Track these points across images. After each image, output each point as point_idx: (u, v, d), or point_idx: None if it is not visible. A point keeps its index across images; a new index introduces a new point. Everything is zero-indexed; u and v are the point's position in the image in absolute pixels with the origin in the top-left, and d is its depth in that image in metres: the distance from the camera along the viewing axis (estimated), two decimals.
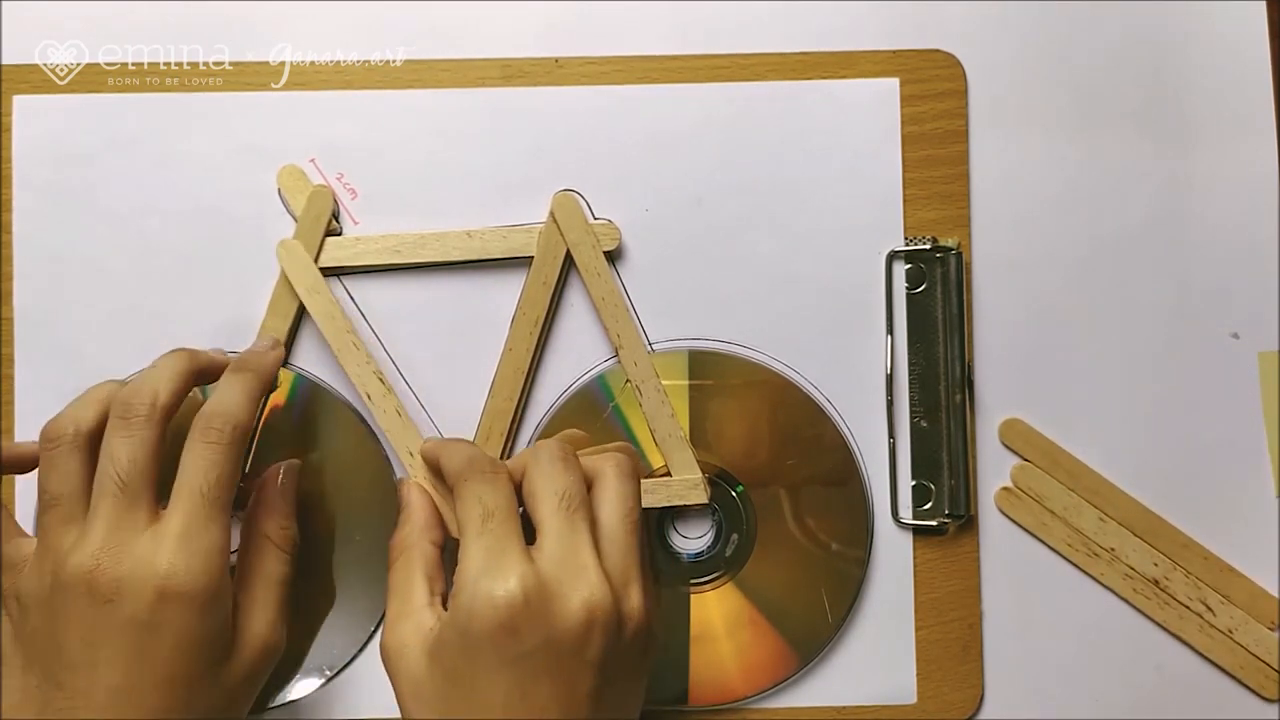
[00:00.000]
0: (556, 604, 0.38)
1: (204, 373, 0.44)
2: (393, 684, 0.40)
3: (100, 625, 0.38)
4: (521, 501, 0.41)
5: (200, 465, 0.40)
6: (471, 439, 0.47)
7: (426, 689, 0.39)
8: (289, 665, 0.47)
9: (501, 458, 0.47)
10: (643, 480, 0.47)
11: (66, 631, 0.38)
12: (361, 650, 0.47)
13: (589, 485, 0.42)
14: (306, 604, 0.47)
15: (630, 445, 0.47)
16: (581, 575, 0.38)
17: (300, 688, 0.47)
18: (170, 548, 0.38)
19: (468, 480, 0.41)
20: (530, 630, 0.38)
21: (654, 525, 0.48)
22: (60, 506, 0.40)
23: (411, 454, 0.46)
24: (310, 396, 0.47)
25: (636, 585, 0.40)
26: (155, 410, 0.40)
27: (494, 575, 0.38)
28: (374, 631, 0.47)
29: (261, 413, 0.47)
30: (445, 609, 0.40)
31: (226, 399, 0.41)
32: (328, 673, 0.47)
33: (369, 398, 0.46)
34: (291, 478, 0.45)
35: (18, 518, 0.47)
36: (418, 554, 0.43)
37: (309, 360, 0.48)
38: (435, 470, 0.44)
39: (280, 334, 0.47)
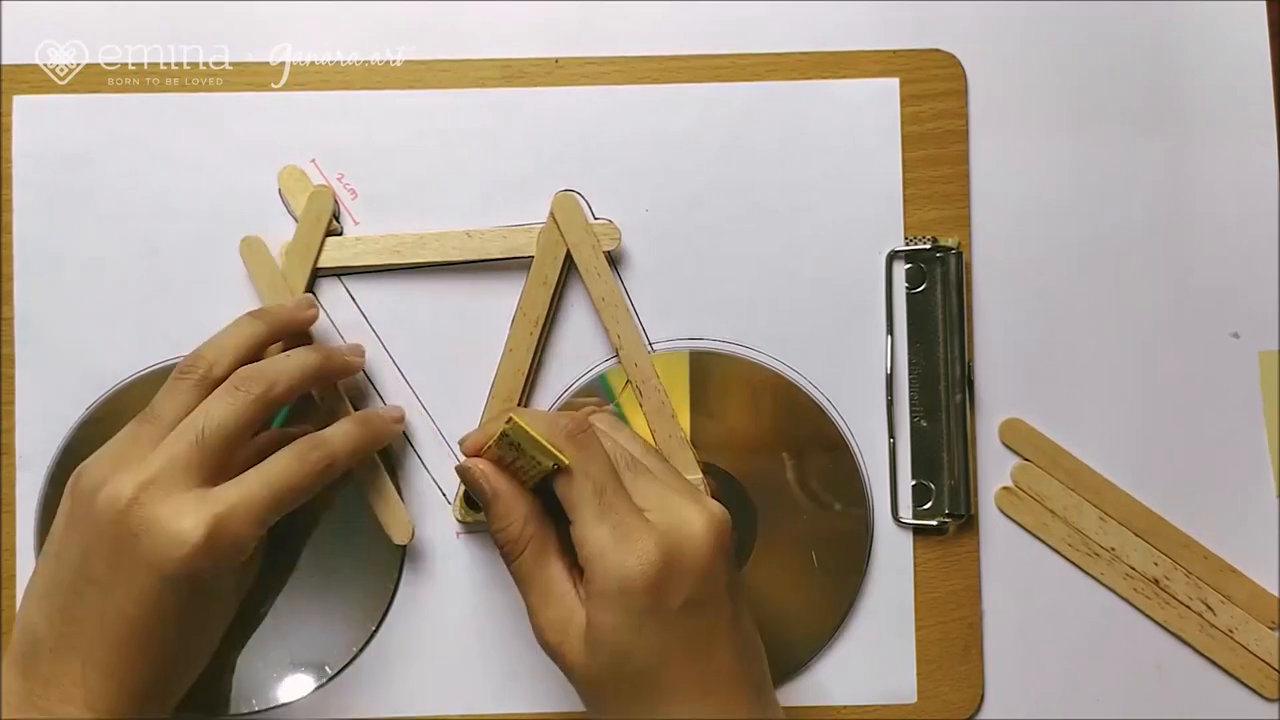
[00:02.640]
0: (687, 548, 0.39)
1: (330, 375, 0.46)
2: (565, 674, 0.41)
3: (124, 556, 0.39)
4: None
5: (286, 473, 0.41)
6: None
7: (599, 675, 0.39)
8: (288, 665, 0.47)
9: None
10: None
11: (96, 546, 0.40)
12: (362, 650, 0.47)
13: None
14: (306, 605, 0.47)
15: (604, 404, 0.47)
16: (685, 514, 0.40)
17: (300, 687, 0.47)
18: (207, 521, 0.39)
19: (565, 446, 0.40)
20: (677, 583, 0.39)
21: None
22: (153, 426, 0.41)
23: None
24: (308, 395, 0.47)
25: (703, 494, 0.42)
26: (266, 395, 0.42)
27: (629, 549, 0.39)
28: (375, 631, 0.47)
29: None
30: (574, 589, 0.41)
31: (338, 436, 0.44)
32: (328, 672, 0.47)
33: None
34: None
35: (17, 518, 0.47)
36: (540, 540, 0.41)
37: None
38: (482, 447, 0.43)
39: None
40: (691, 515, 0.40)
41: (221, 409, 0.41)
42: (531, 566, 0.41)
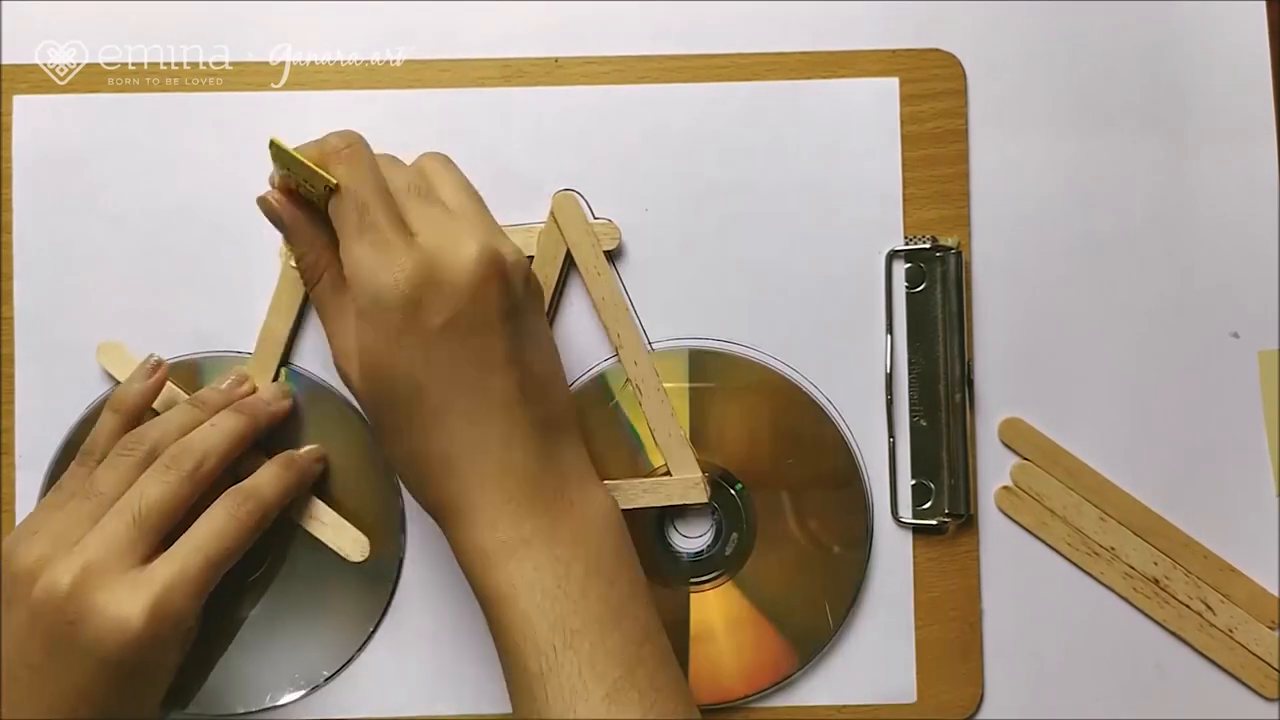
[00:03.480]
0: (449, 267, 0.39)
1: (259, 435, 0.45)
2: (356, 402, 0.42)
3: (60, 642, 0.39)
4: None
5: (215, 535, 0.42)
6: None
7: (374, 397, 0.40)
8: (287, 665, 0.47)
9: None
10: (642, 480, 0.47)
11: (29, 631, 0.40)
12: (361, 650, 0.47)
13: None
14: (306, 605, 0.47)
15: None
16: (459, 237, 0.40)
17: (298, 687, 0.47)
18: (148, 604, 0.39)
19: (333, 162, 0.40)
20: (436, 299, 0.39)
21: (654, 525, 0.48)
22: (96, 500, 0.42)
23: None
24: (311, 396, 0.47)
25: (502, 235, 0.42)
26: (197, 471, 0.42)
27: (385, 264, 0.39)
28: (373, 631, 0.47)
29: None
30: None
31: (266, 484, 0.44)
32: (327, 672, 0.47)
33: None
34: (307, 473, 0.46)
35: (17, 518, 0.47)
36: (338, 268, 0.41)
37: (310, 360, 0.48)
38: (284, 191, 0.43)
39: (281, 334, 0.47)
40: (462, 239, 0.39)
41: (156, 489, 0.41)
42: (328, 294, 0.42)
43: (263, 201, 0.42)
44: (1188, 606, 0.48)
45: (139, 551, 0.40)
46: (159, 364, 0.46)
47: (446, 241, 0.39)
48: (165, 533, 0.41)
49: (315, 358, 0.48)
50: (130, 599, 0.39)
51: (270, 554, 0.47)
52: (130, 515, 0.41)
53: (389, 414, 0.40)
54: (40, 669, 0.39)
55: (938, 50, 0.49)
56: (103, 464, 0.43)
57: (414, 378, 0.39)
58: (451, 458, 0.40)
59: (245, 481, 0.44)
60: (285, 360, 0.48)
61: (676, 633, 0.47)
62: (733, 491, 0.48)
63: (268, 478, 0.44)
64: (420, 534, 0.47)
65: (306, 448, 0.47)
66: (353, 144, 0.41)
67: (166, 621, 0.39)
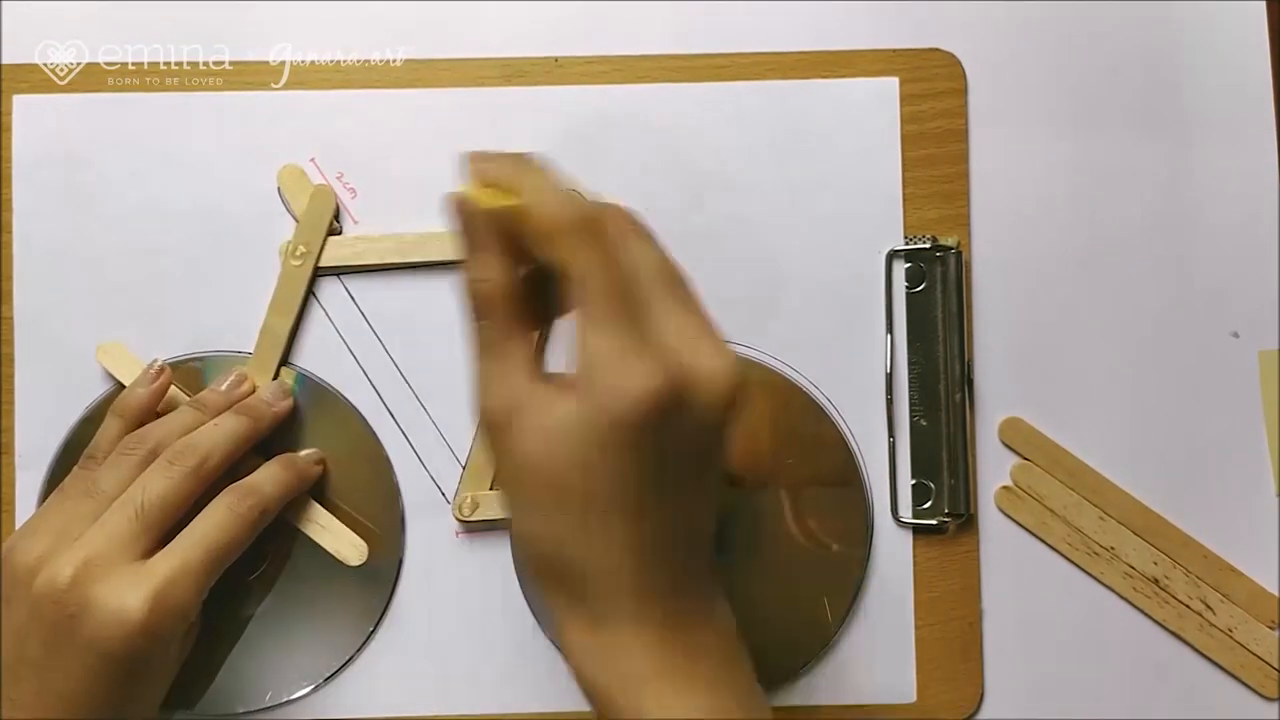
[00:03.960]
0: (703, 390, 0.34)
1: (261, 436, 0.45)
2: (493, 453, 0.36)
3: (61, 635, 0.39)
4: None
5: (218, 527, 0.42)
6: (471, 438, 0.47)
7: (544, 473, 0.34)
8: (287, 665, 0.47)
9: None
10: None
11: (31, 627, 0.39)
12: (361, 650, 0.47)
13: None
14: (306, 604, 0.47)
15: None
16: (713, 355, 0.34)
17: (298, 687, 0.47)
18: (148, 595, 0.39)
19: (569, 238, 0.34)
20: (679, 427, 0.34)
21: None
22: (99, 499, 0.42)
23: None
24: (312, 396, 0.47)
25: (710, 338, 0.36)
26: (201, 468, 0.42)
27: (635, 362, 0.33)
28: (373, 631, 0.47)
29: None
30: (542, 381, 0.35)
31: (267, 482, 0.44)
32: (327, 671, 0.47)
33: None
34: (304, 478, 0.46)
35: (16, 518, 0.47)
36: (514, 306, 0.36)
37: (310, 360, 0.48)
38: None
39: (282, 334, 0.47)
40: (716, 359, 0.34)
41: (159, 483, 0.41)
42: (496, 330, 0.36)
43: (461, 203, 0.36)
44: (1188, 606, 0.48)
45: (141, 545, 0.40)
46: (162, 369, 0.46)
47: (700, 358, 0.34)
48: (167, 528, 0.41)
49: (315, 357, 0.48)
50: (131, 591, 0.39)
51: (270, 554, 0.47)
52: (132, 510, 0.41)
53: (548, 502, 0.35)
54: (41, 665, 0.39)
55: (938, 50, 0.49)
56: (104, 464, 0.43)
57: (622, 480, 0.34)
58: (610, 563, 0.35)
59: (246, 479, 0.44)
60: (285, 360, 0.47)
61: None
62: (732, 491, 0.48)
63: (268, 476, 0.44)
64: (420, 534, 0.47)
65: (306, 451, 0.47)
66: (605, 221, 0.35)
67: (167, 615, 0.39)
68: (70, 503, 0.42)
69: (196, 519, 0.42)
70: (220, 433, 0.44)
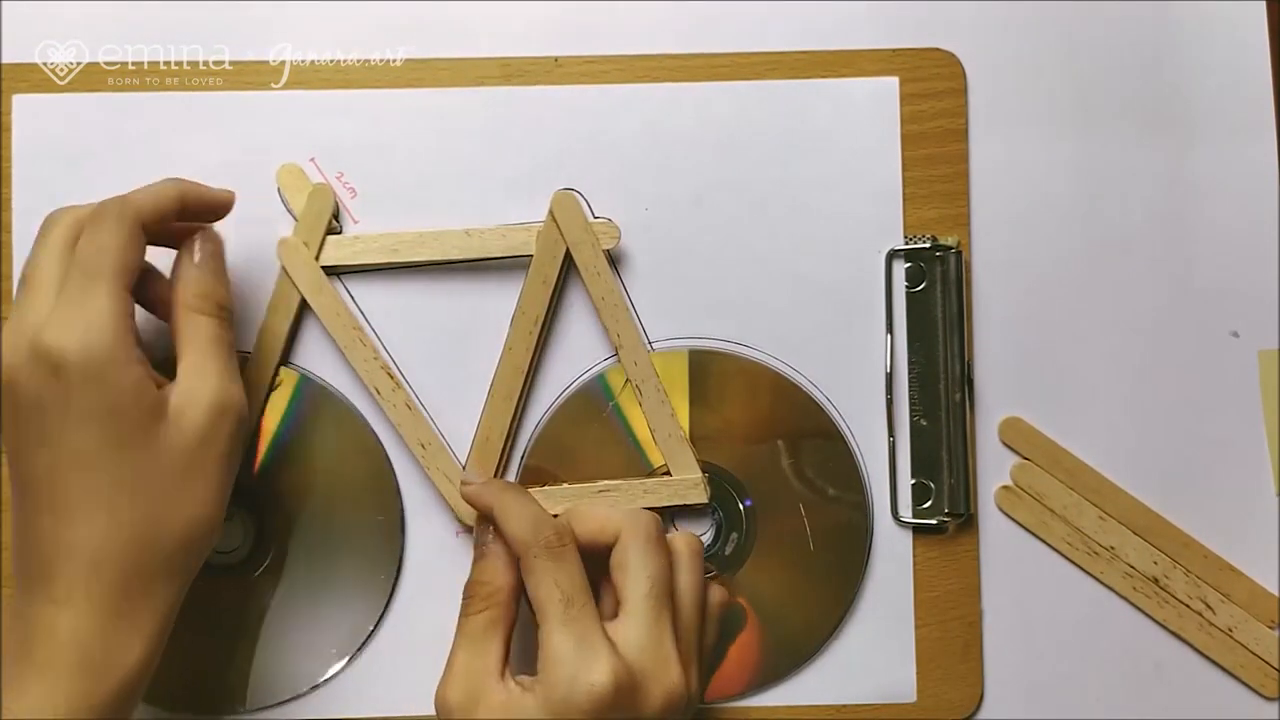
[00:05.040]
0: (641, 694, 0.40)
1: (192, 206, 0.43)
2: None
3: (57, 394, 0.38)
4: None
5: (96, 244, 0.40)
6: (470, 440, 0.47)
7: None
8: (287, 665, 0.47)
9: (501, 457, 0.47)
10: (643, 480, 0.47)
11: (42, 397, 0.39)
12: (360, 650, 0.47)
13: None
14: (306, 604, 0.47)
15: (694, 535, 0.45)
16: (664, 666, 0.40)
17: (298, 687, 0.47)
18: (56, 319, 0.38)
19: (539, 558, 0.41)
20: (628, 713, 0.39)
21: None
22: (35, 279, 0.40)
23: (423, 446, 0.46)
24: (313, 397, 0.47)
25: (695, 666, 0.42)
26: (125, 209, 0.40)
27: (588, 666, 0.39)
28: (374, 631, 0.47)
29: (262, 411, 0.47)
30: (513, 680, 0.40)
31: (146, 197, 0.42)
32: (327, 671, 0.47)
33: (378, 392, 0.46)
34: (209, 248, 0.43)
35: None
36: (503, 613, 0.42)
37: (312, 360, 0.48)
38: (484, 514, 0.44)
39: (281, 334, 0.47)
40: (668, 672, 0.40)
41: (92, 237, 0.40)
42: (478, 628, 0.41)
43: (478, 518, 0.45)
44: (1188, 606, 0.48)
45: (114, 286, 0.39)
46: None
47: (654, 667, 0.40)
48: (115, 273, 0.40)
49: (315, 357, 0.48)
50: (41, 328, 0.38)
51: (270, 555, 0.47)
52: (75, 271, 0.39)
53: None
54: (77, 428, 0.38)
55: (938, 50, 0.49)
56: (34, 245, 0.41)
57: None
58: None
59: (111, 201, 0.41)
60: (285, 359, 0.48)
61: None
62: (732, 491, 0.48)
63: (145, 193, 0.42)
64: (420, 534, 0.47)
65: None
66: (566, 542, 0.41)
67: (77, 329, 0.38)
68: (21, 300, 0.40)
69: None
70: (144, 189, 0.42)
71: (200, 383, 0.41)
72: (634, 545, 0.42)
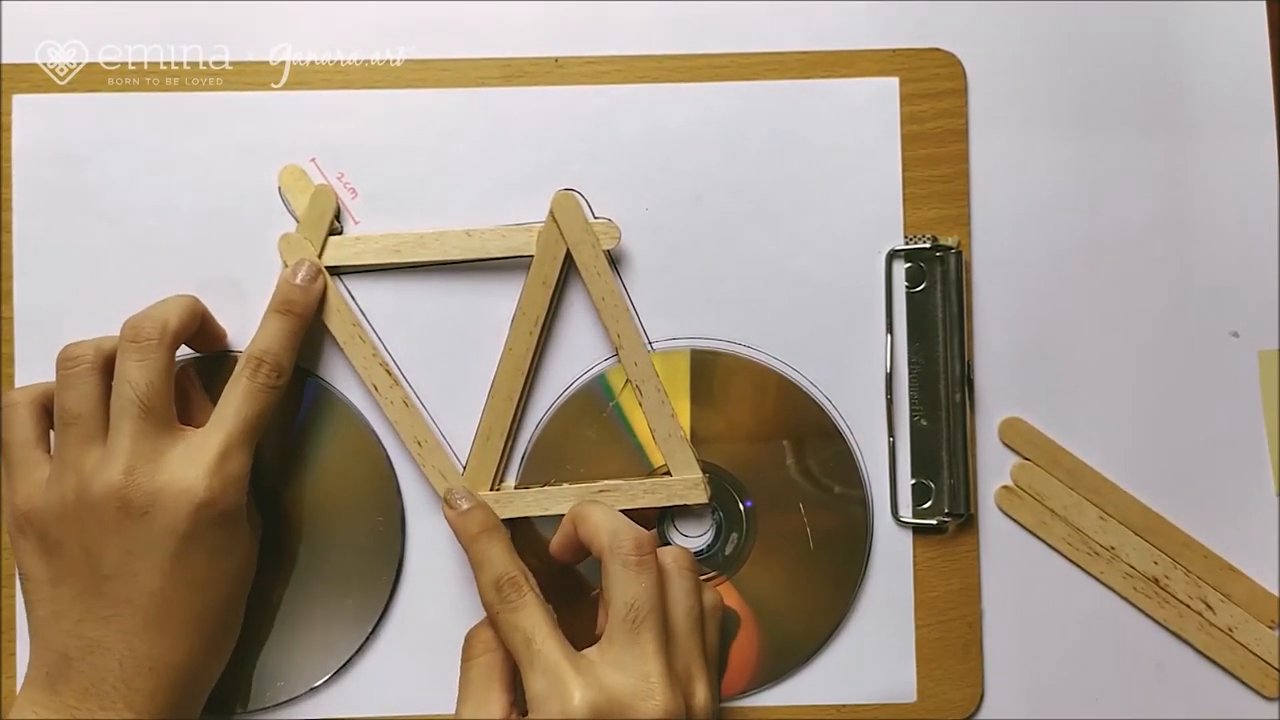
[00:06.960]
0: (629, 715, 0.39)
1: (206, 322, 0.46)
2: None
3: (138, 536, 0.40)
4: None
5: (245, 399, 0.43)
6: (471, 440, 0.47)
7: None
8: (287, 665, 0.47)
9: (502, 457, 0.47)
10: (642, 480, 0.47)
11: (102, 543, 0.40)
12: (359, 651, 0.47)
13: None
14: (307, 605, 0.47)
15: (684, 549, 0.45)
16: (647, 688, 0.40)
17: (298, 687, 0.47)
18: (206, 469, 0.41)
19: (500, 613, 0.41)
20: None
21: (654, 525, 0.48)
22: (79, 425, 0.42)
23: (420, 443, 0.46)
24: (314, 398, 0.47)
25: (702, 682, 0.42)
26: (165, 335, 0.43)
27: (562, 701, 0.39)
28: (374, 631, 0.47)
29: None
30: None
31: (273, 340, 0.44)
32: (327, 671, 0.47)
33: (375, 389, 0.47)
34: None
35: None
36: (500, 656, 0.42)
37: (312, 361, 0.48)
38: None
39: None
40: (651, 691, 0.39)
41: (138, 370, 0.42)
42: (479, 675, 0.42)
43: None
44: (1188, 606, 0.48)
45: (166, 432, 0.42)
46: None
47: (636, 689, 0.40)
48: (171, 402, 0.42)
49: (316, 357, 0.48)
50: (187, 467, 0.41)
51: (270, 555, 0.47)
52: (135, 408, 0.41)
53: None
54: (120, 572, 0.40)
55: (938, 50, 0.49)
56: (57, 389, 0.43)
57: None
58: None
59: (251, 347, 0.44)
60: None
61: None
62: (733, 492, 0.48)
63: (270, 330, 0.45)
64: (420, 534, 0.47)
65: (300, 274, 0.46)
66: (519, 586, 0.42)
67: (229, 483, 0.41)
68: (68, 443, 0.42)
69: (222, 398, 0.43)
70: (166, 305, 0.44)
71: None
72: (612, 569, 0.41)
